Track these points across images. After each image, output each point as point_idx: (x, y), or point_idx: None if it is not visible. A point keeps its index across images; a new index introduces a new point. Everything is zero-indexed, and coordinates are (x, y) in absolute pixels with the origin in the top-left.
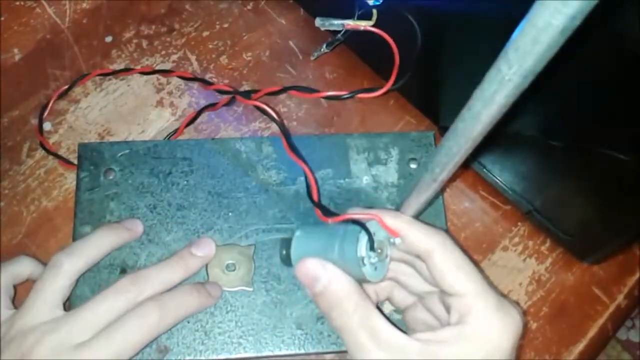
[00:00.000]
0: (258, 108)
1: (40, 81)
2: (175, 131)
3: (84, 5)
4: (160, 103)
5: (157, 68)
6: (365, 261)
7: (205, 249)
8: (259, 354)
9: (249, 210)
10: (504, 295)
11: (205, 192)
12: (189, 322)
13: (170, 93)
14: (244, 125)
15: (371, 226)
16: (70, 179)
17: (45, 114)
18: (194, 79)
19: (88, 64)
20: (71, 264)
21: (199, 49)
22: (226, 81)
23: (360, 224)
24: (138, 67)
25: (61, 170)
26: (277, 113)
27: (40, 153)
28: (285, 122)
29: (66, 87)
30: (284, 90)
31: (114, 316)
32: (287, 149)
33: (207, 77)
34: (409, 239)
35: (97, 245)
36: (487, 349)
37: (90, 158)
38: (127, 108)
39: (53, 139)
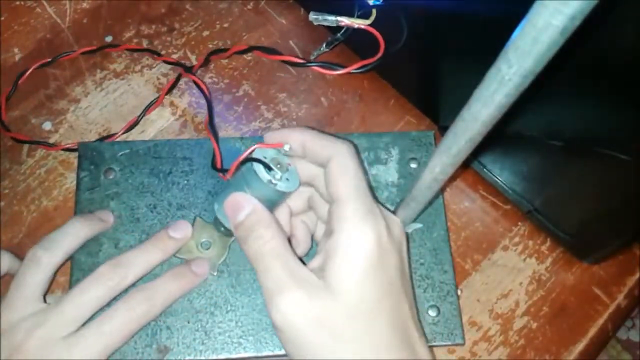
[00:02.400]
0: (194, 82)
1: (40, 81)
2: (154, 102)
3: (84, 5)
4: (157, 104)
5: (157, 68)
6: (274, 180)
7: (182, 231)
8: (259, 354)
9: None
10: (384, 206)
11: (205, 192)
12: (189, 322)
13: (170, 93)
14: (244, 125)
15: (259, 153)
16: (70, 178)
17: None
18: (143, 49)
19: (88, 64)
20: (49, 257)
21: (199, 49)
22: (226, 81)
23: (248, 159)
24: (138, 67)
25: (61, 170)
26: (206, 88)
27: (40, 153)
28: (285, 122)
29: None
30: (250, 49)
31: (98, 305)
32: (206, 123)
33: (207, 77)
34: (312, 147)
35: (73, 236)
36: (350, 258)
37: (91, 158)
38: (127, 108)
39: (53, 138)
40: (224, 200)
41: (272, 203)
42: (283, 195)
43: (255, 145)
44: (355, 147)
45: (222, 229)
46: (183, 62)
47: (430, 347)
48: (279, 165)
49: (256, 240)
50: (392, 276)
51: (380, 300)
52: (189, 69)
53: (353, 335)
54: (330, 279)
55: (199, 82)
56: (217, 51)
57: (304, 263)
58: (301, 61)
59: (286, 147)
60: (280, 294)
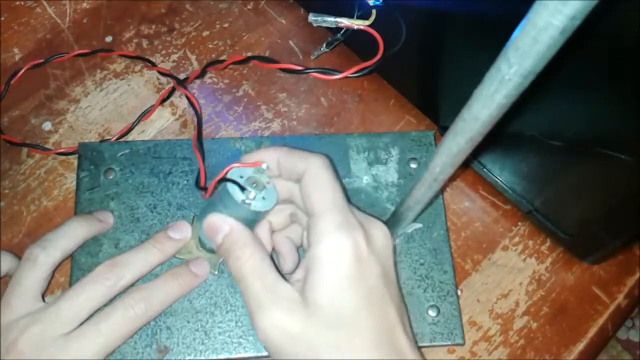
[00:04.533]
0: (186, 97)
1: (40, 81)
2: (149, 109)
3: (84, 5)
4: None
5: (157, 68)
6: (248, 200)
7: (181, 232)
8: (259, 354)
9: None
10: (369, 214)
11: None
12: (189, 322)
13: (170, 93)
14: (244, 125)
15: (236, 172)
16: (70, 178)
17: None
18: (137, 57)
19: (88, 64)
20: (46, 256)
21: (199, 49)
22: (226, 81)
23: (223, 179)
24: (138, 67)
25: (61, 170)
26: (197, 104)
27: (40, 152)
28: (285, 122)
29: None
30: (249, 59)
31: (95, 304)
32: (193, 141)
33: (207, 76)
34: (285, 164)
35: (71, 236)
36: (326, 272)
37: (91, 158)
38: (127, 108)
39: (53, 138)
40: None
41: (251, 221)
42: (260, 214)
43: (232, 165)
44: (330, 159)
45: (208, 247)
46: (183, 61)
47: (430, 347)
48: (255, 184)
49: (235, 261)
50: (373, 284)
51: (359, 310)
52: (181, 82)
53: (330, 349)
54: (308, 293)
55: (191, 97)
56: (214, 62)
57: (285, 278)
58: (299, 68)
59: (263, 166)
60: (260, 313)
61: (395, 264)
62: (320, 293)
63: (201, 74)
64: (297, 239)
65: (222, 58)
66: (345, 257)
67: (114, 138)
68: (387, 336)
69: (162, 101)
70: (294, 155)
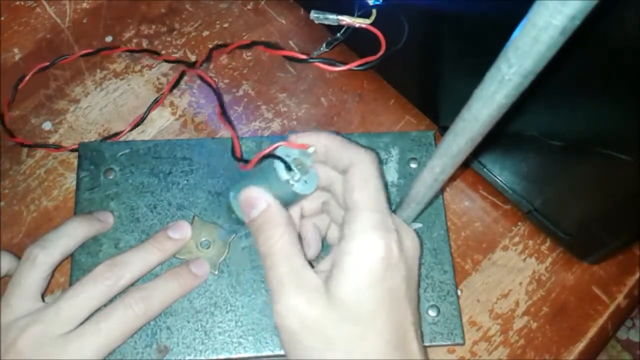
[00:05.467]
0: (200, 77)
1: (40, 81)
2: (158, 99)
3: (84, 5)
4: (160, 103)
5: (157, 68)
6: (291, 181)
7: (181, 232)
8: (259, 354)
9: None
10: (404, 221)
11: (205, 192)
12: (189, 322)
13: (170, 93)
14: (244, 125)
15: (283, 151)
16: (70, 178)
17: (6, 115)
18: (142, 50)
19: (88, 64)
20: (45, 256)
21: (199, 49)
22: (226, 81)
23: (270, 156)
24: (138, 67)
25: (61, 170)
26: (215, 84)
27: (40, 153)
28: (285, 121)
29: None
30: (253, 44)
31: (95, 304)
32: (218, 114)
33: (207, 76)
34: (334, 153)
35: (71, 236)
36: (355, 269)
37: (91, 158)
38: (127, 108)
39: (53, 138)
40: (240, 190)
41: (286, 202)
42: (298, 196)
43: (280, 143)
44: (378, 156)
45: (234, 216)
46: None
47: (430, 347)
48: (299, 167)
49: (266, 239)
50: (397, 288)
51: (379, 311)
52: (192, 64)
53: (345, 343)
54: (332, 286)
55: (205, 75)
56: (220, 46)
57: (312, 265)
58: (304, 57)
59: (310, 150)
60: (282, 296)
61: (420, 273)
62: (344, 288)
63: (207, 59)
64: (323, 228)
65: (221, 59)
66: (375, 258)
67: (126, 131)
68: (400, 339)
69: (171, 88)
70: (344, 146)
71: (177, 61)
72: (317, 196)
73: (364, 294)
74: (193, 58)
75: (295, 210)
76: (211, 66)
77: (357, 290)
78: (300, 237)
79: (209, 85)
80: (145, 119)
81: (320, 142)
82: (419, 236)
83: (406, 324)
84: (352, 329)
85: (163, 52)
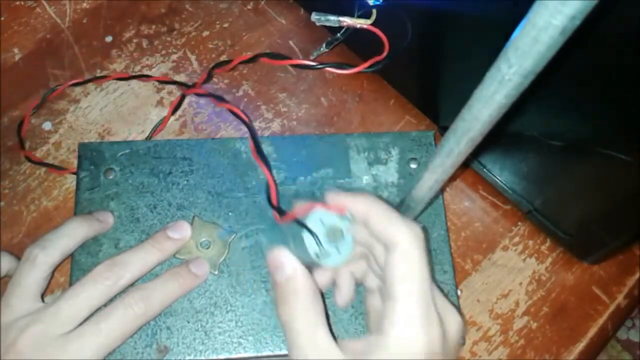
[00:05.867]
0: (231, 111)
1: (40, 81)
2: (160, 122)
3: (84, 5)
4: (160, 103)
5: (156, 68)
6: (320, 254)
7: (181, 232)
8: (259, 354)
9: (249, 210)
10: (451, 303)
11: (205, 192)
12: (189, 322)
13: (170, 93)
14: (244, 126)
15: (317, 215)
16: (70, 178)
17: (25, 128)
18: (174, 82)
19: (88, 64)
20: (45, 256)
21: (199, 49)
22: (226, 81)
23: (301, 224)
24: (138, 67)
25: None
26: (247, 117)
27: (40, 153)
28: (285, 121)
29: (38, 102)
30: (256, 57)
31: (95, 304)
32: (253, 153)
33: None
34: (375, 226)
35: (71, 236)
36: None
37: (91, 158)
38: (127, 108)
39: (53, 138)
40: (271, 243)
41: (316, 265)
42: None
43: (317, 205)
44: (425, 231)
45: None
46: (183, 61)
47: None
48: (333, 235)
49: (289, 312)
50: None
51: None
52: (191, 86)
53: None
54: None
55: (237, 110)
56: (221, 63)
57: (334, 336)
58: (310, 63)
59: (348, 215)
60: None
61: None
62: None
63: (208, 78)
64: (360, 275)
65: (222, 58)
66: (415, 353)
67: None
68: None
69: (173, 112)
70: (386, 220)
71: (173, 82)
72: (357, 247)
73: None
74: (193, 59)
75: None
76: (211, 66)
77: None
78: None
79: (240, 118)
80: (150, 137)
81: (359, 209)
82: (462, 315)
83: None
84: None
85: (163, 51)
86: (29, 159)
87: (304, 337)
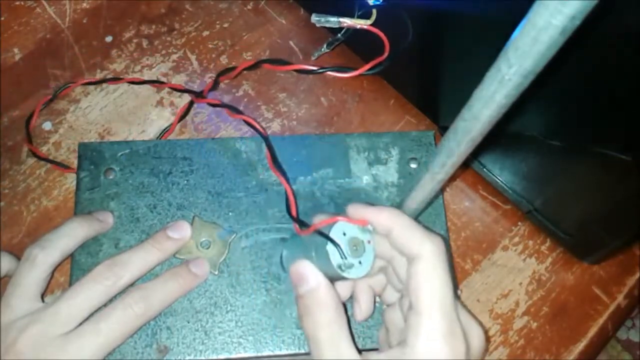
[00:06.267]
0: (246, 122)
1: (40, 81)
2: (168, 128)
3: (84, 5)
4: (160, 103)
5: (157, 68)
6: (343, 267)
7: (180, 232)
8: (259, 354)
9: (249, 210)
10: (473, 315)
11: (205, 192)
12: (189, 322)
13: (170, 93)
14: (244, 125)
15: (340, 227)
16: (70, 178)
17: (33, 124)
18: (185, 90)
19: (88, 64)
20: (44, 256)
21: (199, 49)
22: (226, 81)
23: (324, 236)
24: (138, 67)
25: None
26: (262, 128)
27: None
28: (285, 121)
29: (49, 98)
30: (259, 63)
31: (95, 304)
32: (270, 164)
33: (207, 76)
34: (398, 239)
35: (70, 236)
36: None
37: (91, 158)
38: (127, 108)
39: (53, 138)
40: (292, 254)
41: (338, 278)
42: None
43: (339, 218)
44: (446, 243)
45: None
46: (183, 61)
47: None
48: (355, 248)
49: (314, 324)
50: None
51: None
52: (199, 94)
53: None
54: None
55: (253, 122)
56: (226, 71)
57: (359, 351)
58: (314, 68)
59: (370, 228)
60: None
61: None
62: None
63: (214, 86)
64: (379, 289)
65: (221, 59)
66: None
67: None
68: None
69: (180, 119)
70: (411, 232)
71: (184, 90)
72: (377, 261)
73: None
74: (193, 58)
75: None
76: (212, 66)
77: None
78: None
79: (256, 130)
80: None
81: (382, 222)
82: (483, 328)
83: None
84: None
85: (163, 51)
86: (34, 155)
87: (329, 349)
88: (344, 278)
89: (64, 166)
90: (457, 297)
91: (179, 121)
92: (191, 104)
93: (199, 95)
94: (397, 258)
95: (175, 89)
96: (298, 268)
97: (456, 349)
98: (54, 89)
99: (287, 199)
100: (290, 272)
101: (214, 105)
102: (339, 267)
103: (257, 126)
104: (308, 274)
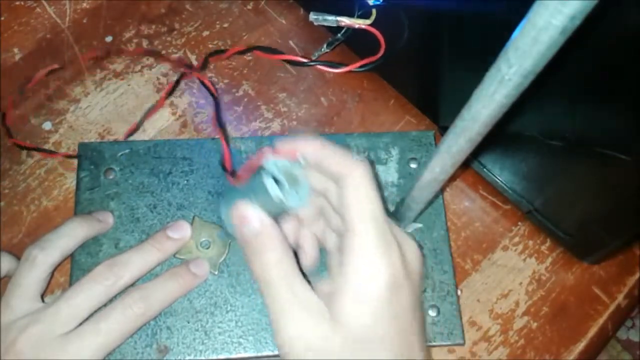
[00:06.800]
0: (200, 81)
1: (40, 81)
2: (155, 105)
3: (84, 5)
4: (161, 105)
5: (157, 68)
6: (282, 197)
7: (180, 232)
8: (259, 354)
9: None
10: (404, 231)
11: (205, 192)
12: (189, 322)
13: (170, 93)
14: (244, 125)
15: (271, 161)
16: (70, 178)
17: (9, 115)
18: (146, 52)
19: (88, 64)
20: (44, 256)
21: (199, 49)
22: (226, 81)
23: (260, 169)
24: (138, 67)
25: (61, 170)
26: (212, 85)
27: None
28: (285, 121)
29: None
30: (250, 49)
31: (94, 304)
32: (213, 120)
33: (207, 77)
34: (324, 164)
35: (70, 236)
36: (359, 296)
37: (91, 158)
38: (127, 108)
39: (53, 138)
40: (230, 205)
41: (279, 214)
42: (292, 209)
43: (268, 154)
44: (372, 165)
45: (231, 232)
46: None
47: (431, 347)
48: (289, 178)
49: (263, 264)
50: (404, 311)
51: (386, 336)
52: (189, 67)
53: None
54: (336, 311)
55: (205, 79)
56: (216, 52)
57: (309, 283)
58: (303, 60)
59: (301, 160)
60: (284, 323)
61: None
62: (350, 313)
63: (203, 66)
64: (321, 235)
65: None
66: (380, 281)
67: (124, 137)
68: (408, 353)
69: (170, 93)
70: (335, 157)
71: (175, 62)
72: (313, 202)
73: (370, 318)
74: (193, 58)
75: (291, 221)
76: (212, 66)
77: (363, 315)
78: (296, 248)
79: (207, 89)
80: (141, 124)
81: (308, 150)
82: (419, 244)
83: (413, 337)
84: (359, 351)
85: (163, 52)
86: (18, 146)
87: (282, 287)
88: (285, 212)
89: (50, 152)
90: (389, 214)
91: (167, 96)
92: (180, 77)
93: (189, 67)
94: (331, 190)
95: (169, 60)
96: (239, 210)
97: (392, 259)
98: (20, 86)
99: (222, 154)
100: (231, 217)
101: (201, 82)
102: (278, 198)
103: (207, 82)
104: (250, 214)
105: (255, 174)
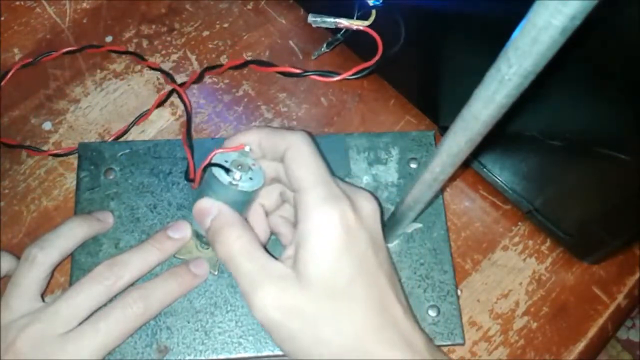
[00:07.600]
0: (177, 92)
1: (40, 81)
2: (145, 113)
3: (84, 5)
4: (160, 103)
5: (149, 63)
6: (234, 182)
7: (181, 232)
8: (259, 354)
9: None
10: (351, 183)
11: None
12: (189, 322)
13: (170, 93)
14: (244, 125)
15: (221, 158)
16: (70, 178)
17: None
18: (128, 52)
19: (88, 64)
20: (44, 256)
21: (199, 49)
22: (226, 81)
23: (208, 165)
24: (138, 67)
25: (61, 170)
26: (187, 100)
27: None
28: (285, 122)
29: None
30: (246, 63)
31: (94, 304)
32: (183, 137)
33: (207, 77)
34: (266, 145)
35: (70, 236)
36: (316, 246)
37: (91, 158)
38: (127, 108)
39: (53, 138)
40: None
41: (241, 204)
42: (249, 195)
43: (215, 151)
44: (311, 135)
45: (204, 238)
46: (183, 61)
47: None
48: (240, 167)
49: (223, 243)
50: (364, 254)
51: (352, 281)
52: (170, 76)
53: (327, 318)
54: (300, 268)
55: (184, 96)
56: (212, 67)
57: (274, 257)
58: (297, 71)
59: (246, 149)
60: (254, 292)
61: (384, 229)
62: (312, 267)
63: (199, 78)
64: (291, 217)
65: (221, 59)
66: (333, 228)
67: (111, 139)
68: (381, 304)
69: (160, 104)
70: (274, 135)
71: (159, 70)
72: (271, 190)
73: (332, 267)
74: (193, 59)
75: (257, 211)
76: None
77: (325, 265)
78: (275, 234)
79: (185, 106)
80: (130, 130)
81: (251, 139)
82: (375, 197)
83: (383, 287)
84: (331, 305)
85: (163, 52)
86: (4, 144)
87: (245, 259)
88: (246, 197)
89: (35, 149)
90: (333, 174)
91: (157, 106)
92: (171, 92)
93: (171, 78)
94: (281, 171)
95: (151, 67)
96: (198, 206)
97: (341, 206)
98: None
99: (187, 168)
100: (194, 216)
101: (178, 93)
102: (230, 183)
103: (186, 100)
104: (208, 205)
105: (209, 172)
